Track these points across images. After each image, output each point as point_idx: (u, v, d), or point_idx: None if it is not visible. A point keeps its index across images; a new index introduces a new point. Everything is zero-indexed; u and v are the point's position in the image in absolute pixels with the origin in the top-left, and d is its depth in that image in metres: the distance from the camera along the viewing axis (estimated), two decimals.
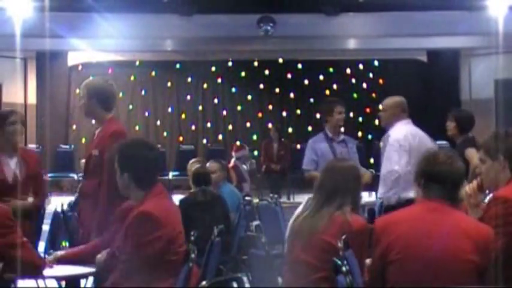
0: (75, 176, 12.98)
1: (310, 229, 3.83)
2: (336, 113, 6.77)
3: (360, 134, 14.78)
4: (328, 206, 3.86)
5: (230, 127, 15.81)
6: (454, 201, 3.47)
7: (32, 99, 14.79)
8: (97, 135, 5.23)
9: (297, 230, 3.94)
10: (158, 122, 15.78)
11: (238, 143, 13.25)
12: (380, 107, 6.51)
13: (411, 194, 5.48)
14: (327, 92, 14.99)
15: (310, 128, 14.66)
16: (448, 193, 3.44)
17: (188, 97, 15.82)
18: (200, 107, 15.80)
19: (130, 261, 3.76)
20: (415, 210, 3.49)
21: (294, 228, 4.00)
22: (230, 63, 15.69)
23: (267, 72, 15.72)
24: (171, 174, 13.25)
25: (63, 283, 4.67)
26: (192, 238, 3.92)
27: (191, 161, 7.92)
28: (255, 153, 13.91)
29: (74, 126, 15.34)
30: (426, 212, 3.42)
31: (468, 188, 3.82)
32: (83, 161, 5.95)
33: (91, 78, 5.48)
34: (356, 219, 3.81)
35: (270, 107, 15.79)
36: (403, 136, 6.12)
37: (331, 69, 15.68)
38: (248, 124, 15.71)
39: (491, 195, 3.77)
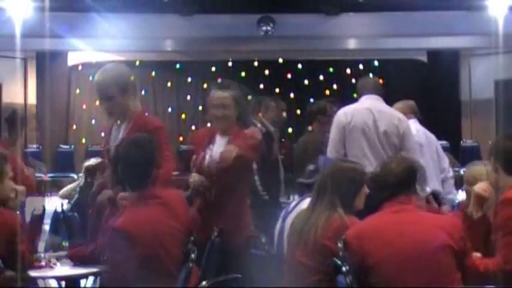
0: (75, 176, 12.97)
1: (304, 230, 3.81)
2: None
3: None
4: (319, 205, 3.84)
5: None
6: (408, 194, 3.53)
7: (32, 99, 14.78)
8: (127, 131, 4.61)
9: (294, 230, 3.93)
10: None
11: None
12: None
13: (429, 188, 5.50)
14: (327, 92, 14.99)
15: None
16: (397, 191, 3.49)
17: (188, 97, 15.83)
18: (200, 107, 15.79)
19: (110, 276, 3.72)
20: (381, 214, 3.54)
21: (292, 228, 3.98)
22: (230, 63, 15.68)
23: (267, 72, 15.72)
24: None
25: (63, 283, 4.66)
26: (192, 238, 3.90)
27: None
28: None
29: (74, 126, 15.33)
30: (392, 213, 3.50)
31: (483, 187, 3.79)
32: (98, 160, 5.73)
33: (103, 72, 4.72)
34: (353, 221, 3.78)
35: None
36: (416, 131, 6.00)
37: (331, 69, 15.67)
38: None
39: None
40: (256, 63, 15.66)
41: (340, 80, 15.39)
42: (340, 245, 3.55)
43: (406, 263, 3.31)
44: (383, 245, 3.37)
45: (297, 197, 6.33)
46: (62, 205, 6.79)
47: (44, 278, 4.53)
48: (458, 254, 3.36)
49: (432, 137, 6.23)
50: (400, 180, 3.55)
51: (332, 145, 5.50)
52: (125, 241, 3.60)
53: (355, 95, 7.51)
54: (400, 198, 3.52)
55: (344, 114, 5.55)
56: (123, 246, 3.60)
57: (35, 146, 13.99)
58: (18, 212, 4.42)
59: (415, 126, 6.10)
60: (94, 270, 4.21)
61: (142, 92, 15.81)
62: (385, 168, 3.63)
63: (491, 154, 3.72)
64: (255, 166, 6.47)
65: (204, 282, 3.92)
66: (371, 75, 15.61)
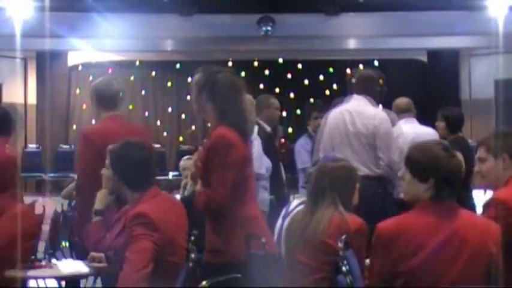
0: (75, 176, 12.95)
1: (307, 230, 3.82)
2: (312, 118, 6.91)
3: None
4: (320, 205, 3.86)
5: None
6: (459, 201, 3.40)
7: (32, 99, 14.79)
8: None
9: (294, 231, 3.93)
10: (158, 122, 15.78)
11: None
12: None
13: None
14: (327, 92, 14.99)
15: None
16: (456, 194, 3.31)
17: (188, 97, 15.80)
18: None
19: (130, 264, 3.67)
20: (427, 214, 3.22)
21: (290, 228, 3.99)
22: (230, 63, 15.67)
23: (267, 72, 15.71)
24: (171, 174, 13.22)
25: (63, 283, 4.67)
26: (192, 238, 3.89)
27: (184, 158, 7.90)
28: None
29: (74, 126, 15.33)
30: (440, 217, 3.20)
31: None
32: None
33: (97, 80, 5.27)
34: (353, 219, 3.79)
35: None
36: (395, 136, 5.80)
37: (331, 69, 15.67)
38: None
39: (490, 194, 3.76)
40: (256, 63, 15.65)
41: (340, 80, 15.33)
42: (340, 244, 3.55)
43: (450, 272, 3.11)
44: (427, 248, 3.11)
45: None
46: (62, 205, 6.80)
47: (44, 278, 4.53)
48: (497, 264, 3.19)
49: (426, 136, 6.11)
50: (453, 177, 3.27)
51: (315, 147, 5.66)
52: (147, 225, 3.66)
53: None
54: (450, 199, 3.25)
55: (325, 116, 5.69)
56: (145, 229, 3.65)
57: (35, 146, 14.01)
58: None
59: (400, 128, 6.06)
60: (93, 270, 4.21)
61: (143, 92, 15.84)
62: (450, 164, 3.27)
63: (494, 148, 3.70)
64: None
65: (204, 282, 3.92)
66: None
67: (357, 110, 5.53)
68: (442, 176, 3.23)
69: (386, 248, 3.14)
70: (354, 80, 5.91)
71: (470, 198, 6.27)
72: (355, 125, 5.43)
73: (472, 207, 5.80)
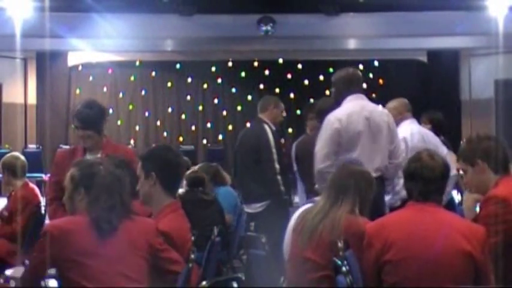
0: None
1: (317, 228, 3.84)
2: (308, 119, 6.82)
3: None
4: (337, 207, 3.88)
5: (230, 127, 15.81)
6: (438, 200, 3.46)
7: (32, 99, 14.79)
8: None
9: (303, 228, 3.93)
10: (158, 122, 15.79)
11: None
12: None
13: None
14: (327, 92, 14.97)
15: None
16: (430, 192, 3.43)
17: (188, 97, 15.83)
18: (200, 107, 15.81)
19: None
20: (406, 212, 3.49)
21: (300, 225, 3.98)
22: (230, 63, 15.69)
23: (267, 72, 15.73)
24: None
25: None
26: (192, 238, 3.89)
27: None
28: None
29: None
30: (417, 213, 3.43)
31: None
32: None
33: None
34: (364, 221, 3.80)
35: None
36: (409, 135, 5.78)
37: (331, 69, 15.63)
38: (248, 124, 15.69)
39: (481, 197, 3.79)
40: (256, 63, 15.67)
41: None
42: (340, 244, 3.56)
43: (423, 265, 3.28)
44: (403, 243, 3.34)
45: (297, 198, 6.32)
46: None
47: (44, 278, 4.52)
48: (478, 264, 3.30)
49: (430, 136, 6.12)
50: (437, 178, 3.46)
51: (326, 152, 5.11)
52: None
53: None
54: (434, 197, 3.44)
55: (338, 119, 5.16)
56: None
57: (34, 146, 14.00)
58: None
59: (410, 128, 6.02)
60: None
61: (143, 92, 15.84)
62: (424, 164, 3.48)
63: (474, 156, 3.74)
64: (277, 166, 6.43)
65: (204, 282, 3.92)
66: (371, 75, 15.65)
67: (369, 109, 5.24)
68: None
69: (369, 244, 3.44)
70: (348, 76, 5.74)
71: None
72: (372, 125, 5.15)
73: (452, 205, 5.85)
